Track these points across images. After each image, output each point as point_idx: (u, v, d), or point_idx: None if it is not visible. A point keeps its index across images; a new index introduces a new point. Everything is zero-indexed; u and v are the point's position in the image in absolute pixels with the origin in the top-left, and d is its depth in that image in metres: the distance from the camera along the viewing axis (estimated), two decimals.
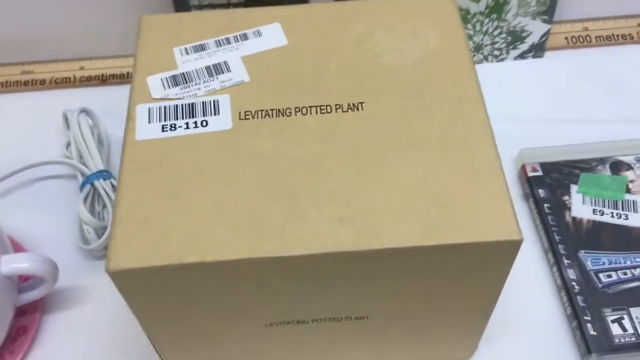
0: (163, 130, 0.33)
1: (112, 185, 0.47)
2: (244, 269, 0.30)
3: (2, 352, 0.42)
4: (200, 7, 0.51)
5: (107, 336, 0.43)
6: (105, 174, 0.47)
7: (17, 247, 0.46)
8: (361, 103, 0.34)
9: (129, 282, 0.30)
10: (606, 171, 0.48)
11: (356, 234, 0.30)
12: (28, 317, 0.43)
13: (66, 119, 0.52)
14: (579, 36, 0.58)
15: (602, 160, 0.48)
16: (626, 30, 0.58)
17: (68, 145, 0.51)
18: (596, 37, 0.58)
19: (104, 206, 0.47)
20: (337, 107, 0.34)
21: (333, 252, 0.29)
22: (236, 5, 0.51)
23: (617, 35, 0.58)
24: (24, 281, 0.43)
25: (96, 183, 0.47)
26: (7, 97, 0.57)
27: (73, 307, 0.44)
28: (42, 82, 0.57)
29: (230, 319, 0.34)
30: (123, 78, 0.57)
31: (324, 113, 0.34)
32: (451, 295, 0.33)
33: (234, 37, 0.37)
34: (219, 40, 0.37)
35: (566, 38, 0.58)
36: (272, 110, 0.34)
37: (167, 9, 0.53)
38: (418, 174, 0.31)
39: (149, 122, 0.34)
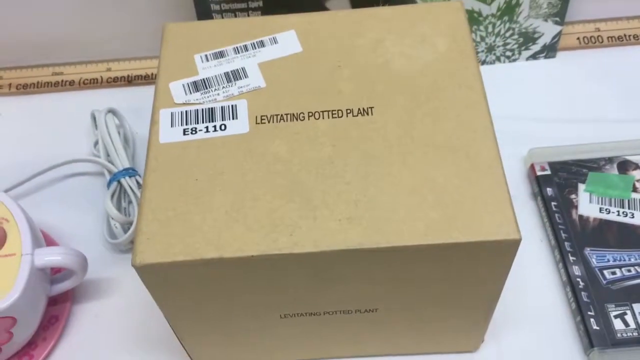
0: (184, 134, 0.36)
1: (138, 182, 0.49)
2: (259, 264, 0.32)
3: (35, 339, 0.44)
4: (221, 11, 0.53)
5: (132, 325, 0.46)
6: (131, 172, 0.50)
7: (49, 241, 0.49)
8: (371, 108, 0.36)
9: (153, 276, 0.33)
10: (614, 170, 0.49)
11: (364, 233, 0.32)
12: (59, 306, 0.46)
13: (94, 119, 0.54)
14: (591, 37, 0.59)
15: (610, 160, 0.50)
16: (638, 30, 0.59)
17: (96, 143, 0.53)
18: (608, 38, 0.59)
19: (130, 202, 0.50)
20: (348, 111, 0.36)
21: (342, 249, 0.31)
22: (255, 10, 0.53)
23: (629, 36, 0.59)
24: (55, 273, 0.46)
25: (122, 180, 0.49)
26: (39, 97, 0.59)
27: (101, 297, 0.47)
28: (72, 83, 0.59)
29: (246, 310, 0.36)
30: (148, 79, 0.59)
31: (336, 117, 0.36)
32: (455, 291, 0.35)
33: (251, 44, 0.39)
34: (237, 48, 0.39)
35: (578, 38, 0.59)
36: (286, 114, 0.36)
37: (190, 12, 0.55)
38: (423, 176, 0.33)
39: (171, 126, 0.36)
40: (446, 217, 0.32)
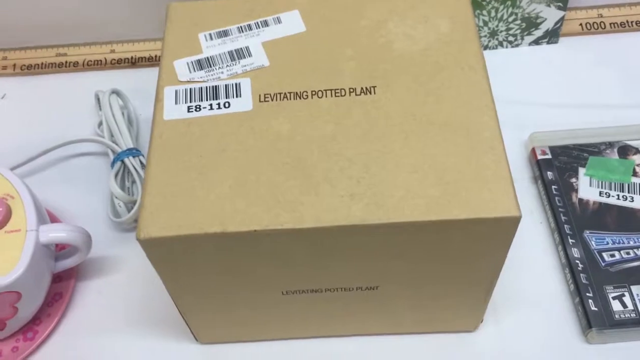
0: (189, 111, 0.36)
1: (141, 162, 0.50)
2: (262, 239, 0.32)
3: (40, 315, 0.45)
4: None
5: (135, 302, 0.46)
6: (134, 152, 0.50)
7: (54, 219, 0.49)
8: (373, 87, 0.36)
9: (157, 250, 0.33)
10: (614, 155, 0.49)
11: (365, 209, 0.32)
12: (63, 283, 0.46)
13: (98, 100, 0.55)
14: (593, 22, 0.59)
15: (610, 144, 0.50)
16: None
17: (100, 124, 0.54)
18: (611, 24, 0.59)
19: (134, 182, 0.50)
20: (351, 90, 0.36)
21: (343, 225, 0.32)
22: None
23: (632, 22, 0.59)
24: (60, 250, 0.46)
25: (126, 160, 0.49)
26: (43, 78, 0.60)
27: (104, 275, 0.48)
28: (76, 64, 0.60)
29: (248, 286, 0.36)
30: (152, 61, 0.59)
31: (338, 96, 0.36)
32: (455, 268, 0.36)
33: (255, 23, 0.40)
34: (241, 27, 0.40)
35: (581, 24, 0.59)
36: (289, 93, 0.36)
37: None
38: (425, 154, 0.34)
39: (175, 103, 0.36)
40: (447, 195, 0.32)
